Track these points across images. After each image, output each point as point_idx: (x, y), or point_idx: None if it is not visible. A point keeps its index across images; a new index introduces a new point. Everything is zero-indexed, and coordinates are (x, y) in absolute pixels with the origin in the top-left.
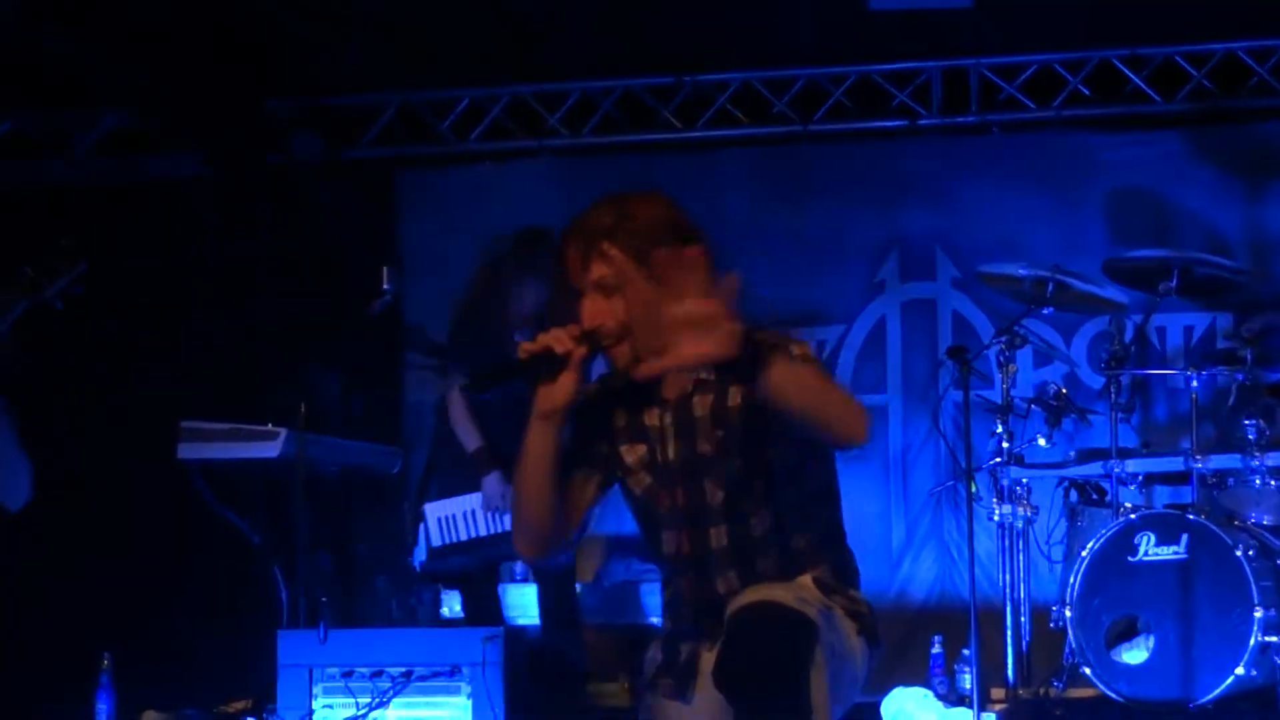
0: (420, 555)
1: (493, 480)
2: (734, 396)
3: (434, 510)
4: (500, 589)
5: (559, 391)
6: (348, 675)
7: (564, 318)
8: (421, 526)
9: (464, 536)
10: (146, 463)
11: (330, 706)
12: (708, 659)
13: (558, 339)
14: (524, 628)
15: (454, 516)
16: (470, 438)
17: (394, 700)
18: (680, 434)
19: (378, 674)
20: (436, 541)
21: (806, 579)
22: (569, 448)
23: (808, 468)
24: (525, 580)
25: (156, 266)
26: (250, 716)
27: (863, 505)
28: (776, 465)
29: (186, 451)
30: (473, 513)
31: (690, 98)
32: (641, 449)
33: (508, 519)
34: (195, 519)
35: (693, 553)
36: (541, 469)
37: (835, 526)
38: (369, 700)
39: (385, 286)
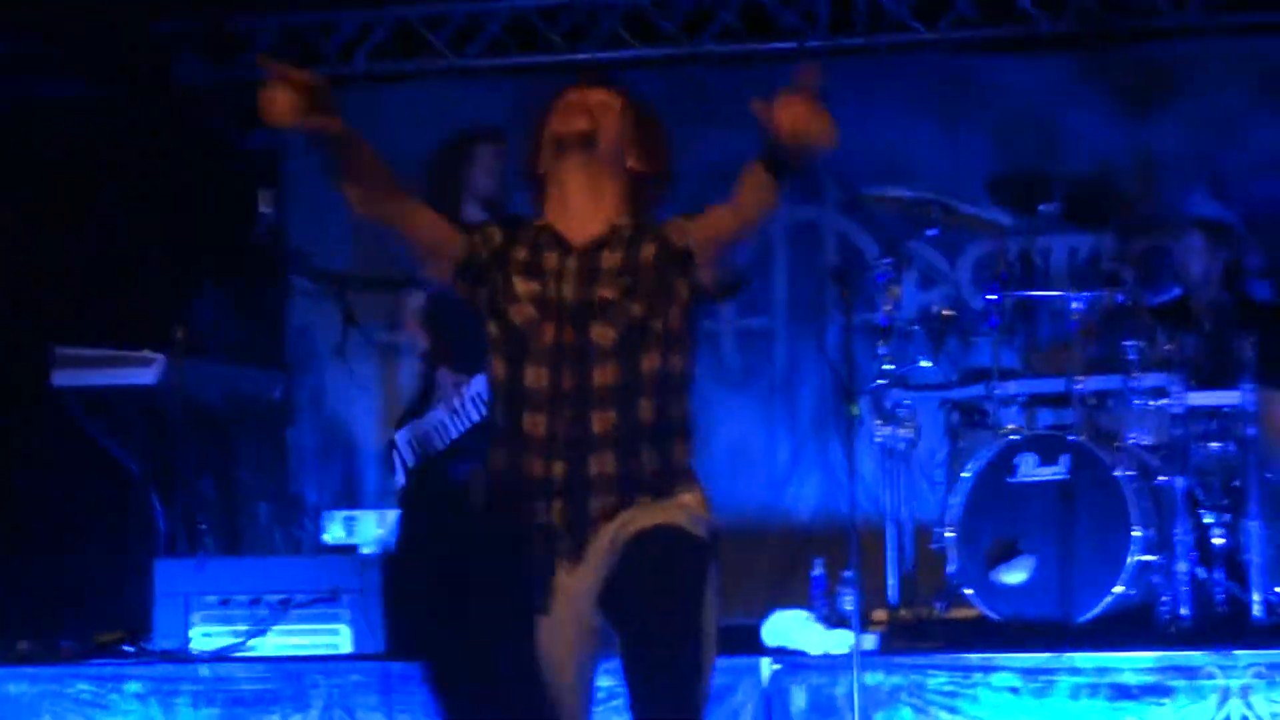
0: (400, 480)
1: (444, 373)
2: (647, 250)
3: (403, 436)
4: None
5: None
6: (225, 603)
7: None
8: (394, 455)
9: (441, 447)
10: (19, 389)
11: (208, 635)
12: (570, 581)
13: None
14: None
15: (426, 434)
16: (420, 340)
17: (273, 628)
18: (582, 278)
19: (256, 602)
20: (414, 463)
21: (691, 498)
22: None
23: (691, 372)
24: None
25: (35, 189)
26: (127, 645)
27: (748, 429)
28: (672, 328)
29: (61, 378)
30: (443, 423)
31: (579, 20)
32: (535, 285)
33: (473, 410)
34: (71, 447)
35: (574, 388)
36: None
37: (698, 457)
38: (247, 628)
39: (263, 209)
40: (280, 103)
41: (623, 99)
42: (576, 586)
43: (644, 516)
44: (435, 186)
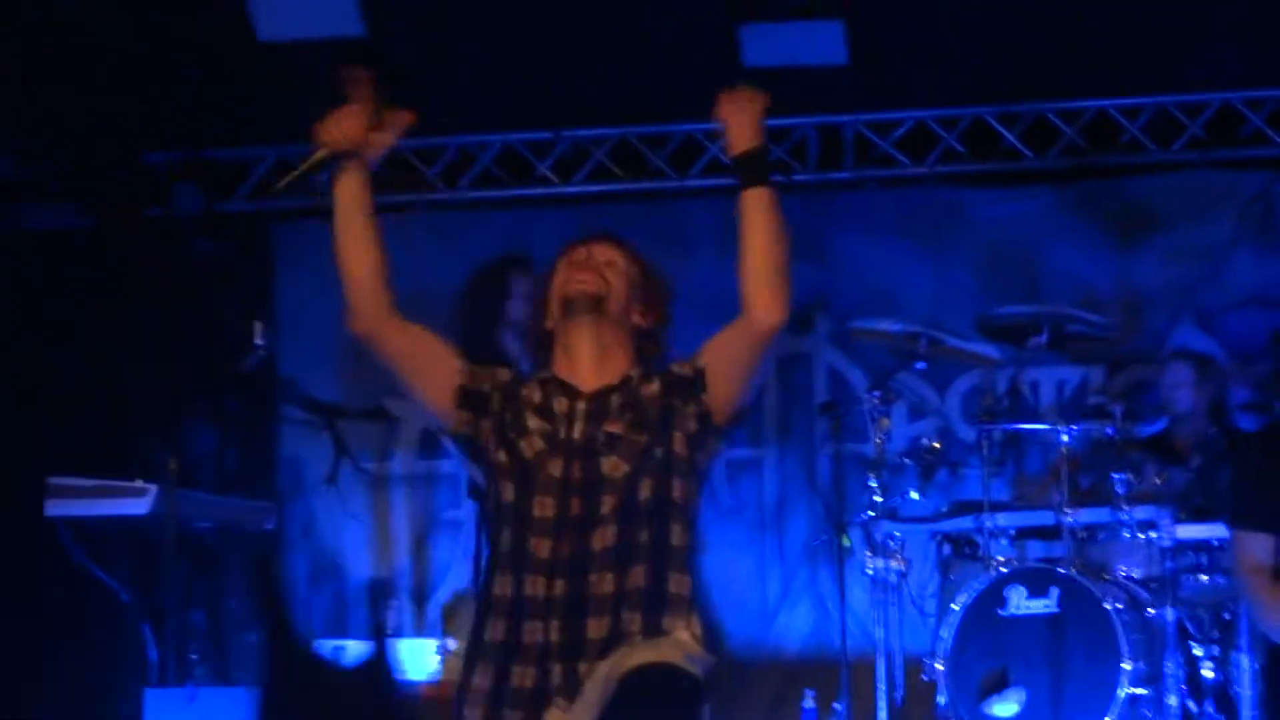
0: None
1: None
2: (651, 387)
3: None
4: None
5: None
6: None
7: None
8: None
9: None
10: (10, 521)
11: None
12: (558, 716)
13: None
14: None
15: None
16: None
17: None
18: (590, 418)
19: None
20: None
21: (685, 637)
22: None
23: (694, 502)
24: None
25: (27, 318)
26: None
27: (738, 559)
28: (675, 455)
29: (54, 508)
30: None
31: (568, 153)
32: (545, 424)
33: None
34: (63, 578)
35: (580, 515)
36: (341, 213)
37: (697, 587)
38: None
39: (257, 341)
40: (351, 117)
41: (627, 255)
42: None
43: (638, 655)
44: (470, 315)
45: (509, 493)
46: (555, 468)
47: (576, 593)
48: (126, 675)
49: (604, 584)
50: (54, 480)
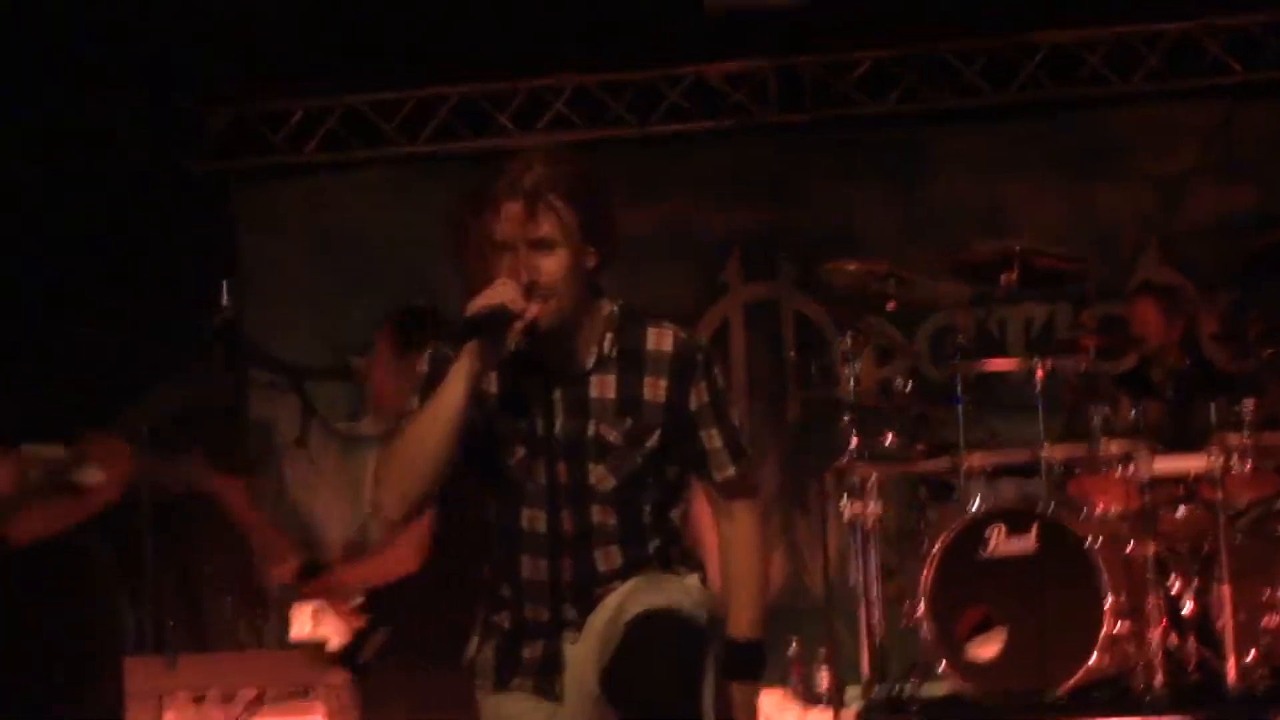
0: None
1: None
2: (656, 389)
3: None
4: None
5: (500, 346)
6: (199, 700)
7: (475, 272)
8: None
9: None
10: None
11: None
12: (575, 651)
13: (511, 297)
14: None
15: None
16: None
17: None
18: (570, 411)
19: (229, 698)
20: None
21: (694, 580)
22: None
23: (689, 483)
24: None
25: None
26: None
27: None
28: (675, 475)
29: None
30: None
31: (527, 103)
32: (519, 421)
33: None
34: (35, 545)
35: (573, 531)
36: (453, 420)
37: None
38: None
39: (224, 302)
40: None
41: (568, 198)
42: (579, 655)
43: (646, 594)
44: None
45: (501, 512)
46: (538, 475)
47: (582, 568)
48: (103, 644)
49: (610, 559)
50: (26, 447)
